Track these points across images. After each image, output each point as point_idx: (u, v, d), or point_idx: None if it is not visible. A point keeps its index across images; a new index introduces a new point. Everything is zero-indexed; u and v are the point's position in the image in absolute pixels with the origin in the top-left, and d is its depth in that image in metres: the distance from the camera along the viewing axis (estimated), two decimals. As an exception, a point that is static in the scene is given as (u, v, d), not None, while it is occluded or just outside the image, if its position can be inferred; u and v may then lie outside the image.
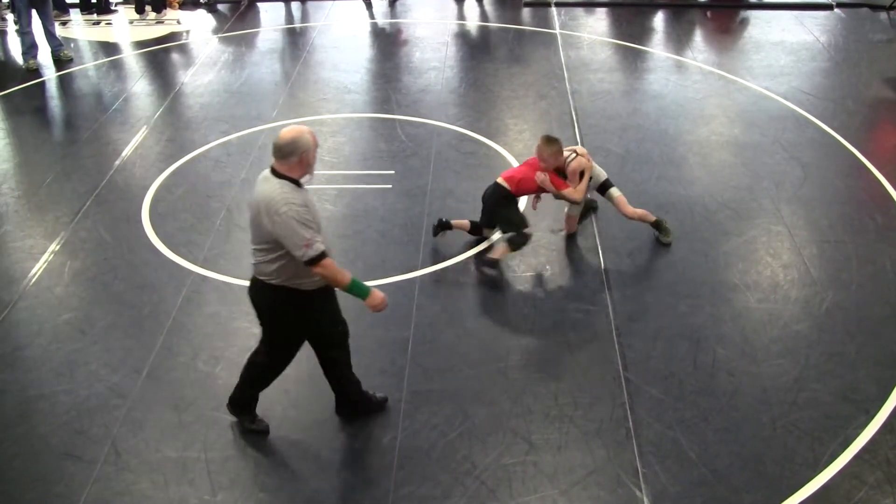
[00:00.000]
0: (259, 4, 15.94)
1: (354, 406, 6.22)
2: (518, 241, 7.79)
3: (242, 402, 6.08)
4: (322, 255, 5.26)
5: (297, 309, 5.56)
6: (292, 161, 5.26)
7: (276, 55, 13.40)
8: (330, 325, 5.83)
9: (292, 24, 15.03)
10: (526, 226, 7.81)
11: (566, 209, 8.26)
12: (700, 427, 6.11)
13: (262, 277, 5.47)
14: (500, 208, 7.90)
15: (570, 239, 8.29)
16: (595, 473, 5.75)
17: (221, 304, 7.41)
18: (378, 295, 5.59)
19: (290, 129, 5.30)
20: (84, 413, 6.25)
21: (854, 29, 14.50)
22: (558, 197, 7.81)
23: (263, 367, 5.95)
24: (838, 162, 9.74)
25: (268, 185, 5.25)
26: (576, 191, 7.73)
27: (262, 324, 5.75)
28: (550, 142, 7.58)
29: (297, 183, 5.29)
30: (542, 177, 7.66)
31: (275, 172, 5.29)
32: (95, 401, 6.37)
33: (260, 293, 5.57)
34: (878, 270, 7.79)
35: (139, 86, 12.18)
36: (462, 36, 14.40)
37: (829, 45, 13.50)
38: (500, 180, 7.86)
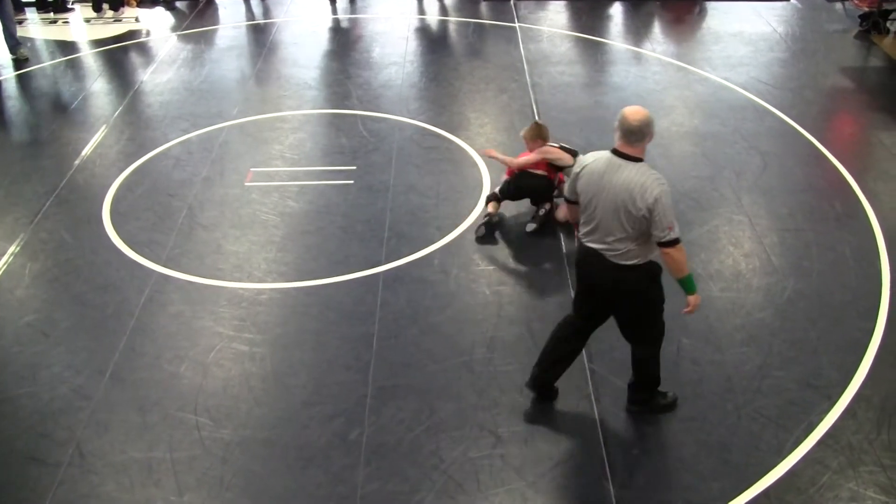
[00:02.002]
0: (217, 1, 15.82)
1: (644, 402, 6.21)
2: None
3: (649, 387, 6.13)
4: (678, 239, 5.32)
5: (656, 280, 5.67)
6: (645, 142, 5.36)
7: (235, 52, 13.32)
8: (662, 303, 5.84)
9: (252, 20, 14.94)
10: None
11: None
12: (666, 416, 6.15)
13: (622, 262, 5.49)
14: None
15: (534, 232, 8.30)
16: (562, 465, 5.77)
17: (185, 303, 7.37)
18: (698, 297, 5.68)
19: (636, 110, 5.35)
20: (48, 416, 6.20)
21: (811, 19, 14.63)
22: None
23: (651, 346, 5.96)
24: (797, 151, 9.83)
25: (627, 172, 5.30)
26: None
27: (624, 310, 5.81)
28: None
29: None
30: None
31: (624, 156, 5.35)
32: (59, 403, 6.31)
33: (623, 279, 5.56)
34: (839, 257, 7.87)
35: (98, 85, 12.07)
36: (422, 31, 14.39)
37: (786, 36, 13.62)
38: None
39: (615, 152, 5.41)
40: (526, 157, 8.32)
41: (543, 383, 6.19)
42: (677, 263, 5.40)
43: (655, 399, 6.18)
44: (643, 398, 6.16)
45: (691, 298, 5.64)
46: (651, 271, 5.60)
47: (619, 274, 5.53)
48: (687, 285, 5.57)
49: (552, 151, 8.19)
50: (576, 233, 6.05)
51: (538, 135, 8.34)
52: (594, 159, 5.51)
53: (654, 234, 5.32)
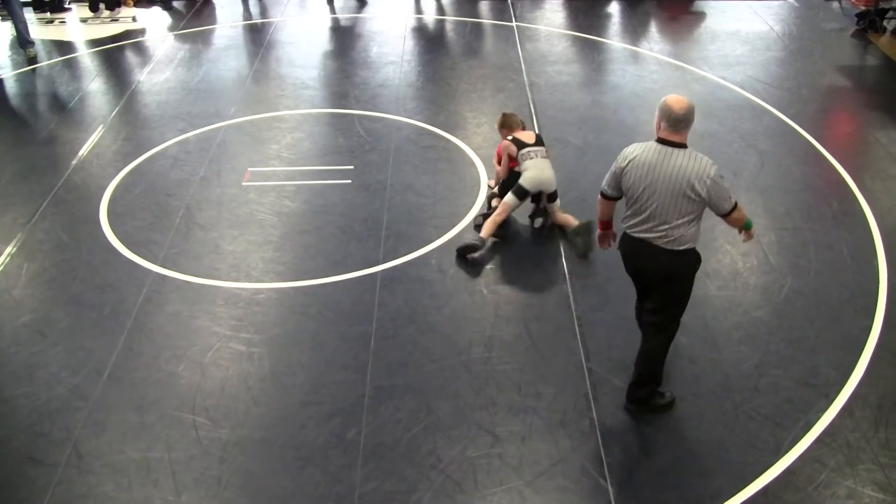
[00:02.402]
0: (215, 1, 15.82)
1: (642, 401, 6.24)
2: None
3: (651, 385, 6.19)
4: (737, 203, 5.70)
5: (698, 267, 5.88)
6: (689, 129, 5.61)
7: (233, 52, 13.32)
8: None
9: (249, 20, 14.94)
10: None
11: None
12: (663, 415, 6.15)
13: (675, 248, 5.66)
14: None
15: (531, 231, 8.31)
16: (560, 464, 5.78)
17: (182, 303, 7.37)
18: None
19: (679, 98, 5.58)
20: (45, 416, 6.20)
21: (807, 18, 14.63)
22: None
23: (667, 340, 6.07)
24: (794, 150, 9.83)
25: (680, 159, 5.55)
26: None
27: (664, 295, 5.91)
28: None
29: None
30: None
31: (671, 143, 5.57)
32: (56, 403, 6.31)
33: (674, 263, 5.74)
34: (836, 256, 7.88)
35: (95, 84, 12.06)
36: (419, 30, 14.39)
37: (783, 35, 13.62)
38: None
39: (661, 141, 5.60)
40: (497, 162, 8.54)
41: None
42: (741, 219, 5.80)
43: (654, 398, 6.19)
44: (643, 397, 6.16)
45: (751, 231, 6.00)
46: (697, 257, 5.82)
47: (670, 258, 5.70)
48: (748, 225, 5.90)
49: (501, 145, 8.42)
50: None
51: (501, 125, 8.51)
52: (641, 151, 5.64)
53: (718, 209, 5.63)
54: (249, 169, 9.48)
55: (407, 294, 7.46)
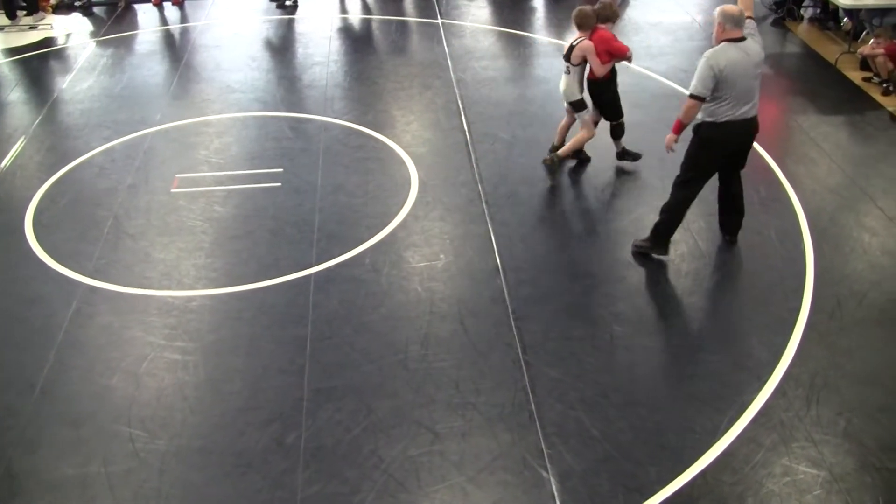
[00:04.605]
0: (136, 6, 15.60)
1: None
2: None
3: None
4: None
5: None
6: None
7: (157, 57, 13.16)
8: None
9: (173, 24, 14.76)
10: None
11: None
12: (601, 404, 6.21)
13: (755, 113, 7.30)
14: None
15: (462, 227, 8.33)
16: (501, 458, 5.80)
17: (114, 314, 7.27)
18: None
19: (730, 6, 7.11)
20: (-24, 435, 6.08)
21: (728, 6, 14.85)
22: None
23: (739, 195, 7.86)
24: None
25: (749, 46, 7.09)
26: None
27: (740, 159, 7.60)
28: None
29: None
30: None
31: (741, 39, 7.08)
32: (-13, 422, 6.20)
33: (755, 126, 7.38)
34: (765, 240, 8.01)
35: (15, 94, 11.84)
36: (345, 30, 14.34)
37: (705, 25, 13.79)
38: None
39: (734, 40, 7.06)
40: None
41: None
42: None
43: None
44: (738, 227, 7.97)
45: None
46: None
47: (755, 123, 7.36)
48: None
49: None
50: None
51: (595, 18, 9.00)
52: (728, 54, 7.03)
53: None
54: (178, 175, 9.37)
55: (342, 295, 7.43)
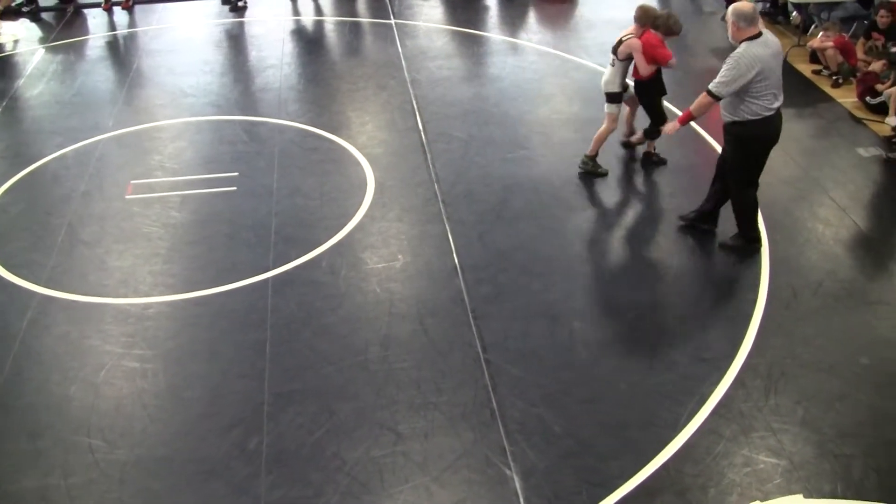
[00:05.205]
0: (85, 11, 15.42)
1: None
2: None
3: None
4: None
5: None
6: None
7: (108, 62, 13.03)
8: None
9: (121, 29, 14.61)
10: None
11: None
12: (563, 401, 6.24)
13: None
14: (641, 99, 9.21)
15: (420, 227, 8.33)
16: (464, 457, 5.81)
17: (70, 323, 7.19)
18: None
19: (740, 3, 7.16)
20: (-69, 450, 6.00)
21: (683, 3, 15.00)
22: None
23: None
24: (676, 132, 10.01)
25: (770, 39, 7.17)
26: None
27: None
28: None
29: None
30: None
31: (758, 35, 7.10)
32: (-57, 436, 6.11)
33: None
34: (722, 234, 8.08)
35: (-36, 104, 11.69)
36: (298, 32, 14.29)
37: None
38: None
39: (753, 38, 7.08)
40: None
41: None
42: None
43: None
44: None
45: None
46: None
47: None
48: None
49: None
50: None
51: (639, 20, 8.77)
52: (756, 48, 7.06)
53: None
54: (132, 181, 9.29)
55: (300, 298, 7.41)
